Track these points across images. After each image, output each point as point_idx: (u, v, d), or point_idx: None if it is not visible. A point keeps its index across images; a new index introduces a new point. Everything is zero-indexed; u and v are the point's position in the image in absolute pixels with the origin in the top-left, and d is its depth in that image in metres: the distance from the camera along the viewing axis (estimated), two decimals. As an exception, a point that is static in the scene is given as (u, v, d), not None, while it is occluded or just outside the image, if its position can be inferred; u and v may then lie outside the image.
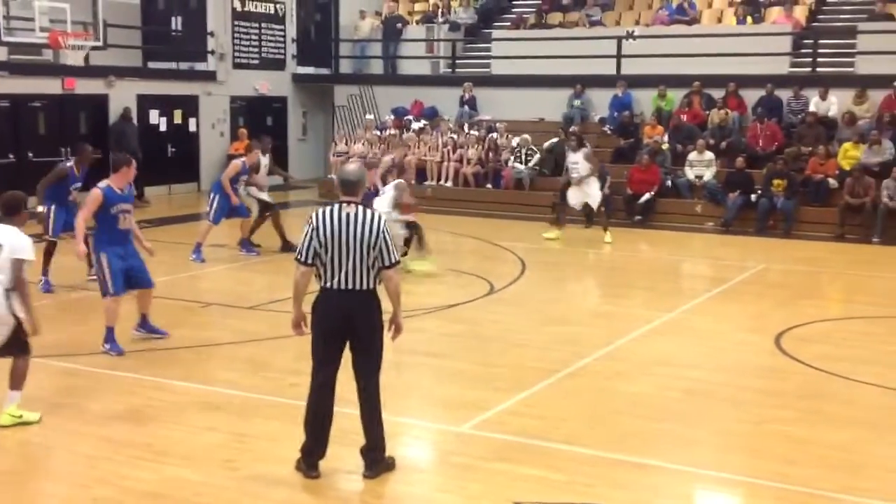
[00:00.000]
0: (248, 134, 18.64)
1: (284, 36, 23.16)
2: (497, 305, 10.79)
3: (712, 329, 9.77)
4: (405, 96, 21.93)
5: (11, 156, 17.72)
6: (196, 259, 12.76)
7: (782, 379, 8.13)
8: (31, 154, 17.65)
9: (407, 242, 12.31)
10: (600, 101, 19.78)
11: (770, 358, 8.72)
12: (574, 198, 14.98)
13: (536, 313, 10.40)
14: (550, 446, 6.40)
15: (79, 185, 11.23)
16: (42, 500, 5.80)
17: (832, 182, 16.29)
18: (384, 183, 12.89)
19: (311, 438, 5.79)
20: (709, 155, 17.46)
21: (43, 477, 6.14)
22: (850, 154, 16.57)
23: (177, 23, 21.77)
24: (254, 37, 22.42)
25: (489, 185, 19.03)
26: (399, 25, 23.07)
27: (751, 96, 18.51)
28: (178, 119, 21.01)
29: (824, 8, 21.05)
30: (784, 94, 18.28)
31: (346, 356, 5.79)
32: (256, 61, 22.52)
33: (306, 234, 5.70)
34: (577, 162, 14.89)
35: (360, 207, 5.76)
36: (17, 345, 6.52)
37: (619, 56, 19.77)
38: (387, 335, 5.84)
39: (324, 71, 23.90)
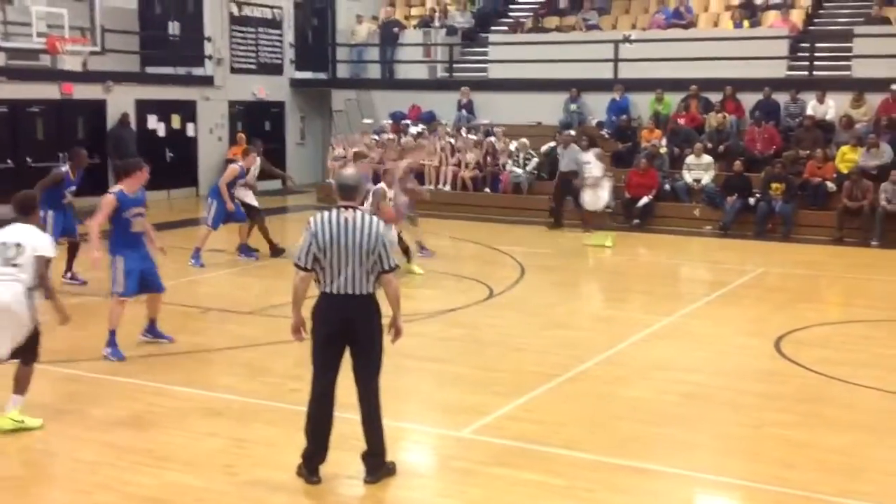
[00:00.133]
0: (246, 138, 18.65)
1: (282, 41, 23.17)
2: (496, 310, 10.79)
3: (712, 333, 9.78)
4: (403, 101, 21.95)
5: (10, 161, 17.71)
6: (195, 264, 12.76)
7: (782, 383, 8.14)
8: (29, 159, 17.64)
9: (406, 251, 12.37)
10: (598, 105, 19.80)
11: (769, 362, 8.73)
12: (591, 201, 14.90)
13: (536, 318, 10.41)
14: (550, 451, 6.40)
15: (73, 188, 11.25)
16: (43, 506, 5.81)
17: (830, 185, 16.31)
18: (402, 187, 13.01)
19: (312, 443, 5.80)
20: (707, 158, 17.48)
21: (45, 483, 6.13)
22: (847, 157, 16.60)
23: (174, 28, 21.78)
24: (251, 41, 22.43)
25: (487, 189, 19.05)
26: (396, 30, 23.09)
27: (748, 100, 18.54)
28: (176, 124, 20.99)
29: (821, 12, 21.10)
30: (781, 98, 18.31)
31: (346, 361, 5.79)
32: (254, 66, 22.52)
33: (305, 240, 5.71)
34: (590, 162, 14.88)
35: (359, 212, 5.77)
36: (30, 350, 6.57)
37: (616, 60, 19.81)
38: (386, 339, 5.85)
39: (321, 75, 23.90)
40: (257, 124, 22.09)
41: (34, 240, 6.50)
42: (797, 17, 20.38)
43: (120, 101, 19.47)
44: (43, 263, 6.47)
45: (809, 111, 17.84)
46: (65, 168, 11.31)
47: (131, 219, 8.37)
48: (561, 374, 8.14)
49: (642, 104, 19.47)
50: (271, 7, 22.80)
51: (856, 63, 18.48)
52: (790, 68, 19.28)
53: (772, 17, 20.41)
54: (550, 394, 7.70)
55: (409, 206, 13.18)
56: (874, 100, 17.62)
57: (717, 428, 7.06)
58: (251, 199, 13.49)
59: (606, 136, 19.19)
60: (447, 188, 19.22)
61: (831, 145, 17.15)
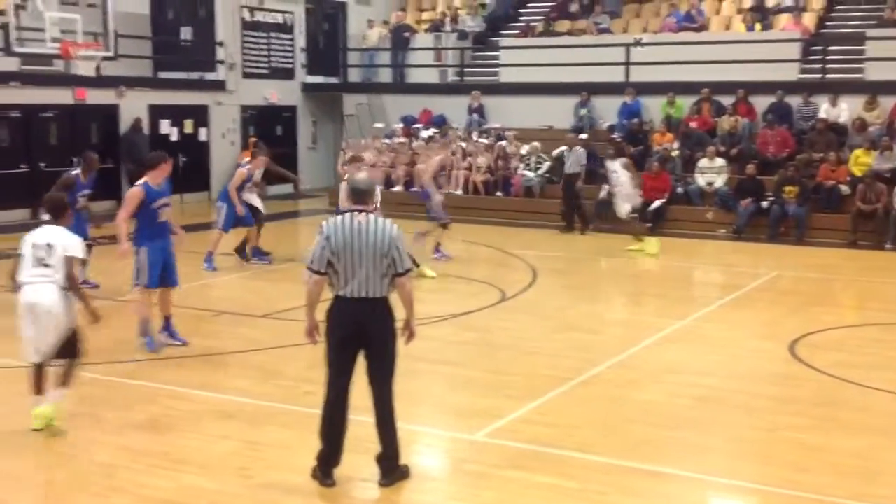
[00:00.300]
0: (258, 143, 18.69)
1: (293, 45, 23.27)
2: (508, 313, 10.79)
3: (725, 336, 9.76)
4: (414, 105, 21.99)
5: (23, 166, 17.83)
6: (208, 268, 12.81)
7: (796, 386, 8.11)
8: (43, 164, 17.75)
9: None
10: (609, 109, 19.78)
11: (784, 365, 8.70)
12: (622, 209, 14.80)
13: (548, 321, 10.40)
14: (563, 454, 6.40)
15: (87, 192, 11.33)
16: (59, 508, 5.84)
17: (844, 188, 16.26)
18: (437, 183, 13.24)
19: (327, 446, 5.81)
20: (719, 161, 17.45)
21: (61, 485, 6.16)
22: (861, 160, 16.54)
23: (186, 33, 21.89)
24: (263, 46, 22.52)
25: (499, 193, 19.06)
26: (407, 34, 23.13)
27: (760, 103, 18.50)
28: (188, 129, 21.11)
29: (833, 14, 21.04)
30: (794, 101, 18.26)
31: (360, 364, 5.81)
32: (266, 71, 22.62)
33: (319, 243, 5.73)
34: (616, 171, 14.79)
35: (372, 216, 5.78)
36: (71, 347, 6.67)
37: (627, 63, 19.80)
38: (400, 341, 5.86)
39: (333, 80, 23.98)
40: (269, 129, 22.19)
41: (64, 240, 6.62)
42: (809, 20, 20.33)
43: (133, 106, 19.59)
44: (73, 264, 6.57)
45: (822, 114, 17.79)
46: (75, 172, 11.38)
47: (158, 209, 8.62)
48: (574, 377, 8.14)
49: (654, 107, 19.45)
50: (283, 12, 22.90)
51: (868, 66, 18.42)
52: (802, 71, 19.21)
53: (784, 20, 20.35)
54: (563, 397, 7.69)
55: (443, 207, 13.32)
56: (887, 102, 17.55)
57: (731, 431, 7.04)
58: (256, 201, 13.52)
59: (618, 139, 19.18)
60: (459, 192, 19.23)
61: (844, 148, 17.10)
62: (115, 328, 8.54)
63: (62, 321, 6.56)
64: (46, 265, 6.53)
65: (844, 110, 17.72)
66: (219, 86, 21.50)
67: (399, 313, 5.82)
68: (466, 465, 6.27)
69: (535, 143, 18.92)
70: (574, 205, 17.01)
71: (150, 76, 21.18)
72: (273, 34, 22.75)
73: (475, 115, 20.91)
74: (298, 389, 7.59)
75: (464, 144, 19.73)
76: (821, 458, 6.43)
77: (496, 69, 21.94)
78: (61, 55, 16.65)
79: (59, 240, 6.60)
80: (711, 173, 17.41)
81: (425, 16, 25.17)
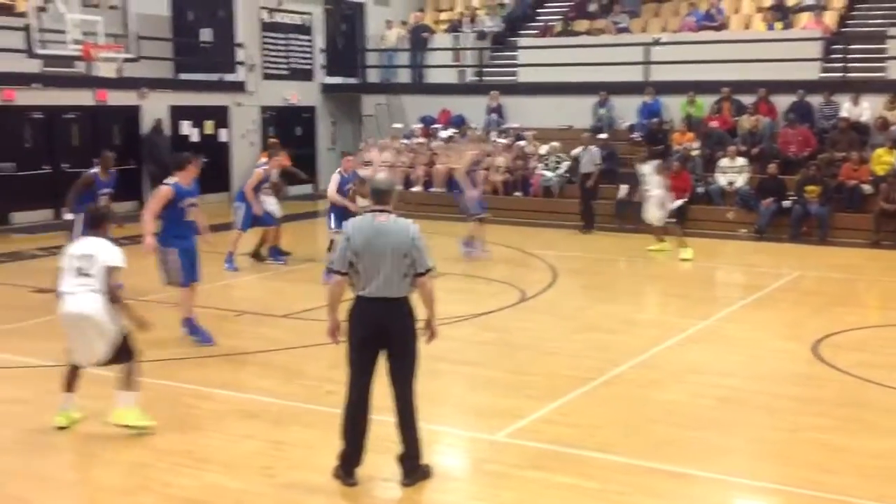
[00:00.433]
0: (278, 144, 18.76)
1: (312, 46, 23.33)
2: (528, 313, 10.80)
3: (748, 337, 9.72)
4: (432, 105, 22.02)
5: (46, 167, 17.98)
6: (229, 268, 12.88)
7: (819, 387, 8.07)
8: (65, 165, 17.89)
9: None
10: (628, 108, 19.73)
11: (806, 366, 8.65)
12: (652, 215, 14.60)
13: (568, 321, 10.40)
14: (584, 454, 6.40)
15: (108, 190, 11.45)
16: (84, 507, 5.89)
17: (866, 188, 16.14)
18: (472, 179, 13.39)
19: (349, 445, 5.83)
20: (740, 161, 17.36)
21: (86, 484, 6.23)
22: (883, 159, 16.42)
23: (206, 34, 22.00)
24: (282, 47, 22.60)
25: (518, 193, 19.04)
26: (425, 35, 23.16)
27: (781, 102, 18.39)
28: (209, 130, 21.22)
29: (854, 13, 20.88)
30: (815, 100, 18.14)
31: (382, 364, 5.83)
32: (285, 72, 22.70)
33: (340, 244, 5.76)
34: (647, 174, 14.67)
35: (392, 215, 5.80)
36: (126, 352, 6.71)
37: (646, 63, 19.73)
38: (421, 340, 5.88)
39: (351, 80, 24.04)
40: (289, 129, 22.27)
41: (103, 250, 6.68)
42: (830, 18, 20.19)
43: (154, 108, 19.71)
44: (112, 273, 6.61)
45: (844, 113, 17.67)
46: (94, 170, 11.52)
47: (186, 208, 8.80)
48: (595, 377, 8.13)
49: (674, 107, 19.36)
50: (301, 13, 22.97)
51: (890, 64, 18.27)
52: (824, 70, 19.08)
53: (804, 18, 20.22)
54: (585, 397, 7.69)
55: (480, 202, 13.36)
56: (909, 101, 17.41)
57: (753, 432, 7.02)
58: (270, 204, 13.46)
59: (638, 139, 19.13)
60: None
61: (867, 147, 16.98)
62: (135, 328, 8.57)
63: (108, 328, 6.57)
64: (87, 275, 6.57)
65: (866, 109, 17.59)
66: (238, 87, 21.61)
67: (420, 313, 5.84)
68: (487, 465, 6.28)
69: (554, 143, 18.90)
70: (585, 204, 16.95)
71: (171, 77, 21.31)
72: (292, 35, 22.83)
73: (494, 115, 20.91)
74: (321, 389, 7.62)
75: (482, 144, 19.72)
76: (844, 459, 6.40)
77: (515, 69, 21.93)
78: (83, 57, 16.78)
79: (98, 250, 6.67)
80: (732, 173, 17.33)
81: (444, 16, 25.19)
